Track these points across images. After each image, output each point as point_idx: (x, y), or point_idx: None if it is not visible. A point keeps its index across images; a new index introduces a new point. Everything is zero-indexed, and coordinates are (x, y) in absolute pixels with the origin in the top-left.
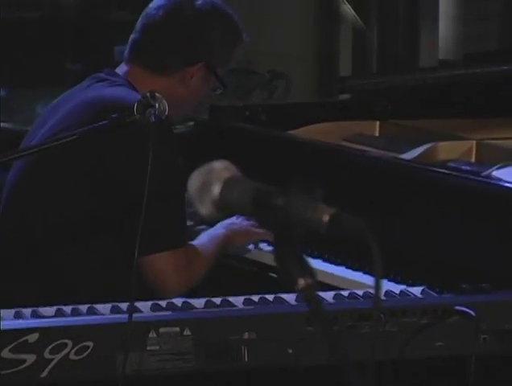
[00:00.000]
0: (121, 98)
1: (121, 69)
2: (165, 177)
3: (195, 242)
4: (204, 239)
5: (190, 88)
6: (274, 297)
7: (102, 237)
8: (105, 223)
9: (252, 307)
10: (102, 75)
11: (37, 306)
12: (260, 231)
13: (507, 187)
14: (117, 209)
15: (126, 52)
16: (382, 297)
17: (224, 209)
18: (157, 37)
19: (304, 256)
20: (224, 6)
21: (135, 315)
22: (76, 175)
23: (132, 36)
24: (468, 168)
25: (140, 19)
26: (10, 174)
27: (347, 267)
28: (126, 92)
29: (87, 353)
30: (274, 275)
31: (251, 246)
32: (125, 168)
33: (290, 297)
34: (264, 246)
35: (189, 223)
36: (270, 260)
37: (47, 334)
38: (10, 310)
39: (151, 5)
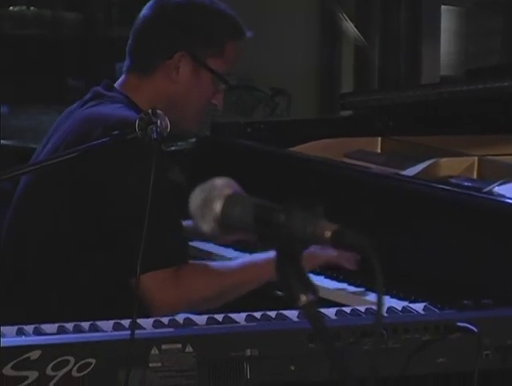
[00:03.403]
0: (104, 116)
1: (120, 80)
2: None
3: (223, 263)
4: (236, 262)
5: (180, 83)
6: (277, 314)
7: (92, 255)
8: (94, 242)
9: (254, 324)
10: (99, 89)
11: (35, 323)
12: (328, 254)
13: (509, 203)
14: (102, 228)
15: (126, 60)
16: (384, 314)
17: (225, 226)
18: (141, 36)
19: (306, 272)
20: (214, 2)
21: (137, 332)
22: (65, 193)
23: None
24: (469, 184)
25: None
26: (17, 190)
27: (349, 283)
28: (112, 109)
29: (89, 370)
30: (277, 292)
31: None
32: (112, 186)
33: (292, 314)
34: None
35: None
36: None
37: (49, 351)
38: (12, 327)
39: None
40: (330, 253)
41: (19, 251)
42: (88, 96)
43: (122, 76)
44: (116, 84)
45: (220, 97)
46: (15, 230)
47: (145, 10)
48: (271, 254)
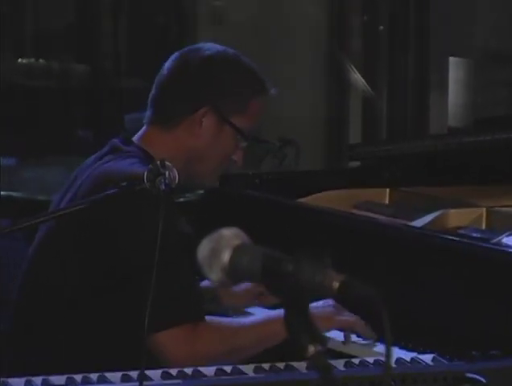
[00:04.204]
0: (117, 171)
1: (140, 133)
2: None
3: (238, 320)
4: (252, 319)
5: (202, 138)
6: (285, 365)
7: (103, 306)
8: (105, 293)
9: (263, 375)
10: (117, 142)
11: (47, 374)
12: (343, 319)
13: None
14: (113, 280)
15: (147, 112)
16: (393, 365)
17: (233, 276)
18: (165, 89)
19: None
20: (240, 57)
21: (146, 383)
22: (75, 246)
23: (150, 94)
24: (478, 235)
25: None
26: (35, 238)
27: (358, 335)
28: (125, 165)
29: None
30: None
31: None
32: (122, 239)
33: (300, 365)
34: None
35: None
36: None
37: None
38: (20, 379)
39: (167, 62)
40: (347, 318)
41: (30, 303)
42: (105, 149)
43: (143, 128)
44: (135, 137)
45: (240, 153)
46: (28, 283)
47: (169, 63)
48: None
